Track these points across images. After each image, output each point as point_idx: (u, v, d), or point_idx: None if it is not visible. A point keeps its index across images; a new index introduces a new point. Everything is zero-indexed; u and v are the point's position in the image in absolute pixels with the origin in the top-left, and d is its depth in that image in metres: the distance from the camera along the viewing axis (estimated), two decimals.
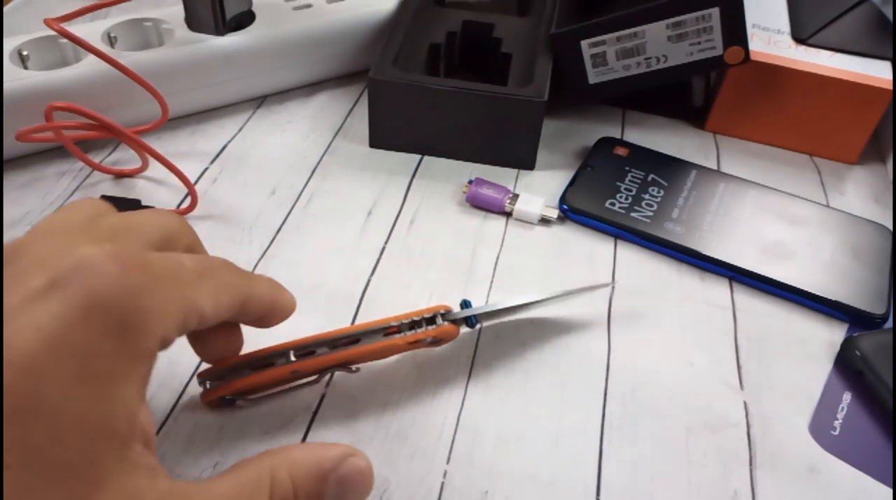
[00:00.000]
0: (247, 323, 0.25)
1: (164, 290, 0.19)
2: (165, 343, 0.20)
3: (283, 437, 0.29)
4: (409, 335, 0.28)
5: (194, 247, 0.25)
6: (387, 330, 0.28)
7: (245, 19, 0.45)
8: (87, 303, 0.17)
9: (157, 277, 0.19)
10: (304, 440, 0.29)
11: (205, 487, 0.20)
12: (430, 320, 0.29)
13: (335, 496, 0.22)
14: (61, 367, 0.17)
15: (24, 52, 0.40)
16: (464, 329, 0.32)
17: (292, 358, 0.28)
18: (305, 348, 0.28)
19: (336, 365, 0.28)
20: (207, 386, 0.28)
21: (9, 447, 0.16)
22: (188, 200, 0.38)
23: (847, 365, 0.33)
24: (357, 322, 0.33)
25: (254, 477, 0.21)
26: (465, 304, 0.31)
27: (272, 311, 0.25)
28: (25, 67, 0.40)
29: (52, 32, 0.40)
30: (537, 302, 0.32)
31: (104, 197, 0.37)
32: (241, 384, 0.27)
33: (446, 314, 0.29)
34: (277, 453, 0.22)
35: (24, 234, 0.23)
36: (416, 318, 0.29)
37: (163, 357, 0.31)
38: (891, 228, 0.39)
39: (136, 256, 0.19)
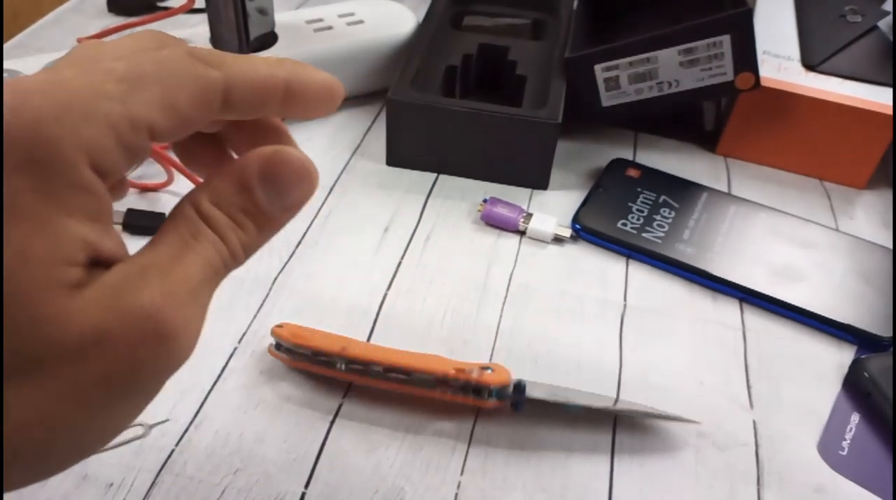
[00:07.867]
0: (269, 115, 0.20)
1: (77, 111, 0.16)
2: (107, 170, 0.17)
3: (301, 444, 0.29)
4: (457, 396, 0.30)
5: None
6: (439, 379, 0.30)
7: (268, 40, 0.46)
8: None
9: (64, 99, 0.16)
10: (321, 447, 0.29)
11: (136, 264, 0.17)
12: (478, 391, 0.30)
13: (269, 196, 0.19)
14: None
15: None
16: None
17: (342, 368, 0.30)
18: (358, 364, 0.30)
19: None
20: (274, 344, 0.32)
21: None
22: None
23: (855, 387, 0.33)
24: (377, 335, 0.34)
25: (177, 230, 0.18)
26: (520, 386, 0.30)
27: (290, 95, 0.20)
28: None
29: None
30: (603, 407, 0.31)
31: (131, 211, 0.39)
32: (301, 367, 0.32)
33: (501, 390, 0.30)
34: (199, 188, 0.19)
35: None
36: (469, 381, 0.29)
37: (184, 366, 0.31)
38: None
39: (38, 80, 0.17)
